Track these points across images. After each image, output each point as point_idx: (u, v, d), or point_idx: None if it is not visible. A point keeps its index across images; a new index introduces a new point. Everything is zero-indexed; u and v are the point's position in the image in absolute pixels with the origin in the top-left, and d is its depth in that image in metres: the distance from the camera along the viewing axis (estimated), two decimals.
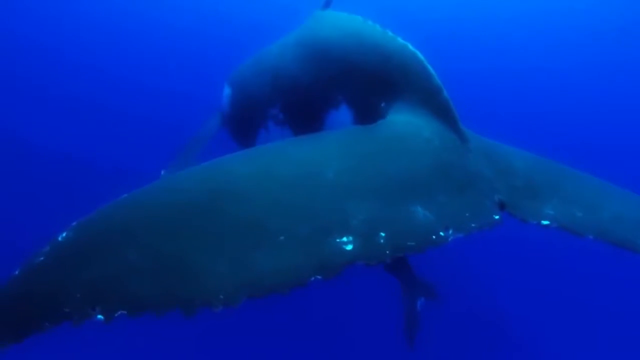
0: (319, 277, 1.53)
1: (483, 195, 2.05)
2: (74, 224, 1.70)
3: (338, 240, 1.65)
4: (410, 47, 2.67)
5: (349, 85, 2.96)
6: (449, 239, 1.78)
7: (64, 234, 1.65)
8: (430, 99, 2.46)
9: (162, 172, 4.30)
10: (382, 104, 2.67)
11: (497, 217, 1.96)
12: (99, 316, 1.42)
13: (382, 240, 1.68)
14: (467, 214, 1.91)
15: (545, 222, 2.02)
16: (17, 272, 1.57)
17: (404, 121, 2.41)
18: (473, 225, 1.87)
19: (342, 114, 3.02)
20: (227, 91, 4.46)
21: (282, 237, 1.62)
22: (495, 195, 2.07)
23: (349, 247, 1.63)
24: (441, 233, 1.78)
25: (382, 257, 1.64)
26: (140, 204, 1.75)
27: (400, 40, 2.74)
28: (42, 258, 1.58)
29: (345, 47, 3.07)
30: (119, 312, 1.42)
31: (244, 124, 4.14)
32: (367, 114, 2.81)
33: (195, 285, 1.46)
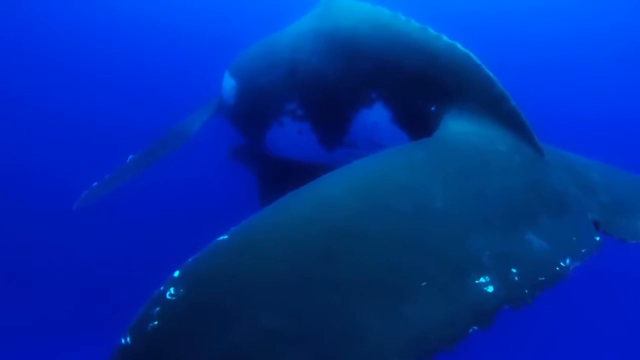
0: (475, 327, 1.42)
1: (579, 216, 1.98)
2: (178, 276, 1.46)
3: (477, 281, 1.53)
4: (460, 47, 2.56)
5: (385, 83, 2.82)
6: (570, 270, 1.72)
7: (172, 291, 1.40)
8: (495, 107, 2.36)
9: (130, 157, 4.05)
10: (432, 108, 2.55)
11: (598, 238, 1.90)
12: None
13: (516, 278, 1.58)
14: (574, 239, 1.84)
15: None
16: (128, 342, 1.33)
17: (472, 132, 2.28)
18: (583, 250, 1.80)
19: (377, 113, 2.89)
20: (230, 83, 4.15)
21: (424, 283, 1.49)
22: (588, 214, 2.02)
23: (490, 289, 1.52)
24: (562, 263, 1.70)
25: (524, 297, 1.54)
26: (253, 251, 1.52)
27: (445, 39, 2.62)
28: (156, 323, 1.35)
29: (378, 42, 2.89)
30: None
31: (254, 117, 3.89)
32: (410, 115, 2.71)
33: (357, 351, 1.30)
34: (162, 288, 1.43)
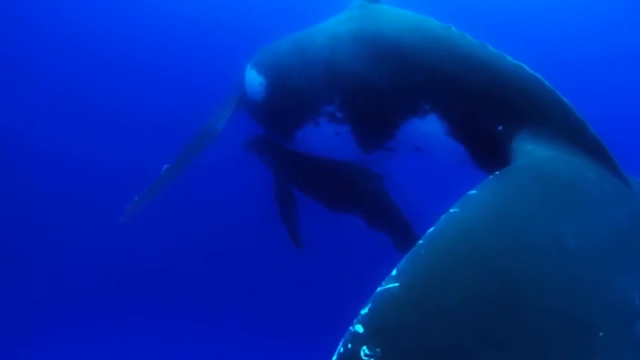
0: None
1: None
2: (365, 332, 1.41)
3: None
4: (528, 69, 2.57)
5: (441, 96, 2.80)
6: None
7: (366, 350, 1.37)
8: (574, 134, 2.34)
9: (165, 167, 4.01)
10: (499, 127, 2.53)
11: None
12: None
13: None
14: None
15: None
16: None
17: (558, 159, 2.23)
18: None
19: (430, 124, 2.89)
20: (257, 79, 4.01)
21: (601, 334, 1.46)
22: None
23: None
24: None
25: None
26: (433, 304, 1.48)
27: (510, 59, 2.63)
28: None
29: (434, 54, 2.85)
30: None
31: (286, 116, 3.79)
32: (471, 131, 2.72)
33: None
34: (349, 346, 1.39)
